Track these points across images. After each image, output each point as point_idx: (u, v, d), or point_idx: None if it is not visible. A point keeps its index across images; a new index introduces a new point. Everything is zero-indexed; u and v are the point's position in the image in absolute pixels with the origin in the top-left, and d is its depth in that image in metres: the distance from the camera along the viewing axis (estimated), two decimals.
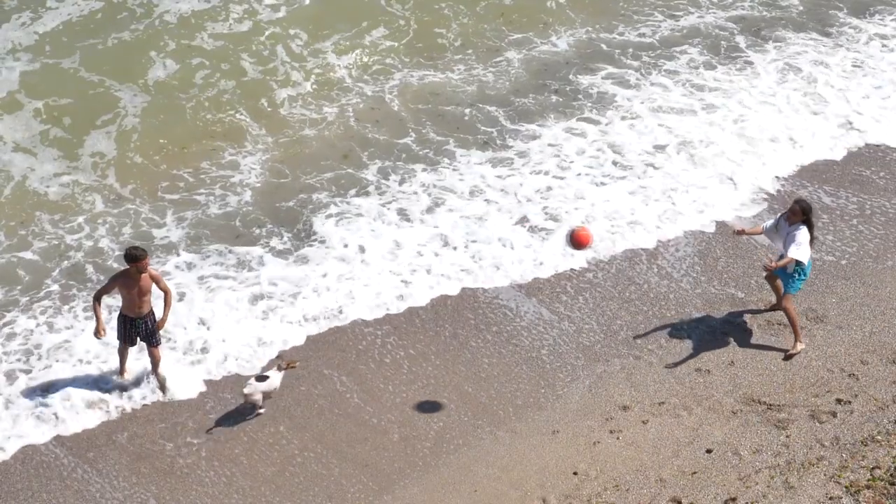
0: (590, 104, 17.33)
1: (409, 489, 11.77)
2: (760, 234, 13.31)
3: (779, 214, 13.00)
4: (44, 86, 17.37)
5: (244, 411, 12.56)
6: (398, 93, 17.57)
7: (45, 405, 12.63)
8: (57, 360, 13.14)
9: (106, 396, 12.75)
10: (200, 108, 17.15)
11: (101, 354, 13.20)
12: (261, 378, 12.42)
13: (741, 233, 13.21)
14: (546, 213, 15.31)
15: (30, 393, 12.77)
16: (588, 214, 15.27)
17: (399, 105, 17.33)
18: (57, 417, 12.54)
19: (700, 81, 17.87)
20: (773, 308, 13.61)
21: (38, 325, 13.60)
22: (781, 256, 12.87)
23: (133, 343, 12.71)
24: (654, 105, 17.30)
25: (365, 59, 18.24)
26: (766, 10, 19.64)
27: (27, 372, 13.02)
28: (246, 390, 12.35)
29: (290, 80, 17.79)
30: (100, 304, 12.53)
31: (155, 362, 12.84)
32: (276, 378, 12.44)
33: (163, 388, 12.81)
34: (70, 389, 12.79)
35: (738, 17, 19.45)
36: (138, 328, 12.59)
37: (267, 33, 18.68)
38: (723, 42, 18.80)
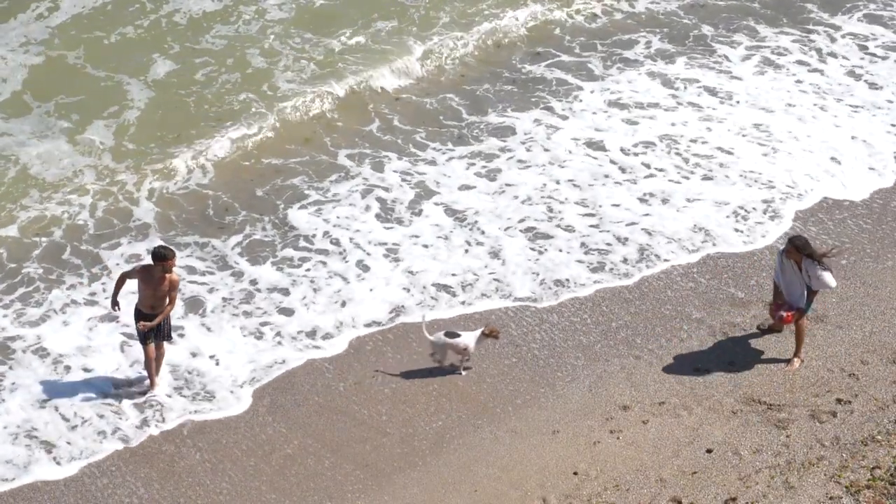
0: (550, 94, 17.51)
1: (409, 489, 11.75)
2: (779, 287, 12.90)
3: (777, 258, 12.83)
4: (50, 79, 17.55)
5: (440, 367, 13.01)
6: (359, 79, 17.83)
7: (42, 405, 12.64)
8: (46, 361, 13.15)
9: (104, 394, 12.76)
10: (188, 92, 17.53)
11: (96, 353, 13.23)
12: (451, 334, 12.82)
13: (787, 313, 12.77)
14: (544, 214, 15.30)
15: (27, 392, 12.77)
16: (589, 215, 15.30)
17: (360, 93, 17.63)
18: (54, 417, 12.55)
19: (665, 72, 18.02)
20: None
21: (12, 319, 13.65)
22: (806, 297, 12.73)
23: (148, 340, 12.67)
24: (627, 99, 17.40)
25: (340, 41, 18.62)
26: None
27: (12, 372, 13.06)
28: (431, 339, 12.85)
29: (257, 61, 18.19)
30: (122, 283, 12.67)
31: (159, 356, 12.85)
32: (467, 338, 12.79)
33: (157, 386, 12.85)
34: (65, 387, 12.82)
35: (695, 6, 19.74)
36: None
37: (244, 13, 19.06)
38: (692, 32, 19.00)
